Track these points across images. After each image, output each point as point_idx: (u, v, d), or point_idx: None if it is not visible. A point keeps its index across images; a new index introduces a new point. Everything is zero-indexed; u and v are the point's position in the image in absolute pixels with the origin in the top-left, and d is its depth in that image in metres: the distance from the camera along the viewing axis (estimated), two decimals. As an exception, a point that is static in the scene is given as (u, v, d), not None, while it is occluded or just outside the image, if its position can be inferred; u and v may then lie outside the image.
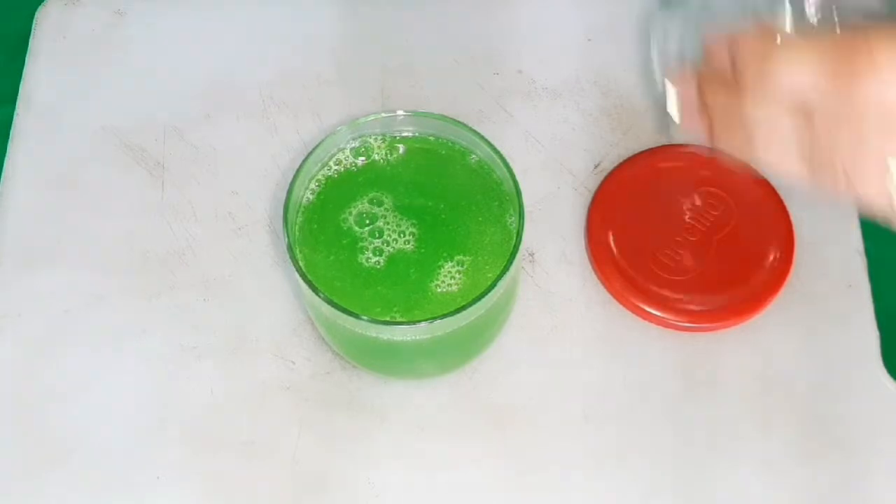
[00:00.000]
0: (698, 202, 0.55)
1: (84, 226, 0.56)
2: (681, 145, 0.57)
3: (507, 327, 0.52)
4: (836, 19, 0.34)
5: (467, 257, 0.46)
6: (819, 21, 0.35)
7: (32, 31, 0.62)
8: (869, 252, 0.55)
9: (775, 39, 0.34)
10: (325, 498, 0.50)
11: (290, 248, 0.45)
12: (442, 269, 0.46)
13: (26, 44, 0.61)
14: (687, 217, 0.54)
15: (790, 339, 0.53)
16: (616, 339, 0.53)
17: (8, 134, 0.58)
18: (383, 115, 0.48)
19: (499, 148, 0.47)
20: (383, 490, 0.50)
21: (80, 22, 0.62)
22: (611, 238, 0.54)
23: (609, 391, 0.52)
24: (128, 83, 0.60)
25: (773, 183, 0.55)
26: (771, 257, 0.53)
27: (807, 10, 0.35)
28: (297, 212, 0.47)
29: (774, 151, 0.36)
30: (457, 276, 0.46)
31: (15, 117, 0.59)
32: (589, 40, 0.61)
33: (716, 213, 0.54)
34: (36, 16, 0.62)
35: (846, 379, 0.52)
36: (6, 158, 0.58)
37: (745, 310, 0.53)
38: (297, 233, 0.47)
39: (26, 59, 0.61)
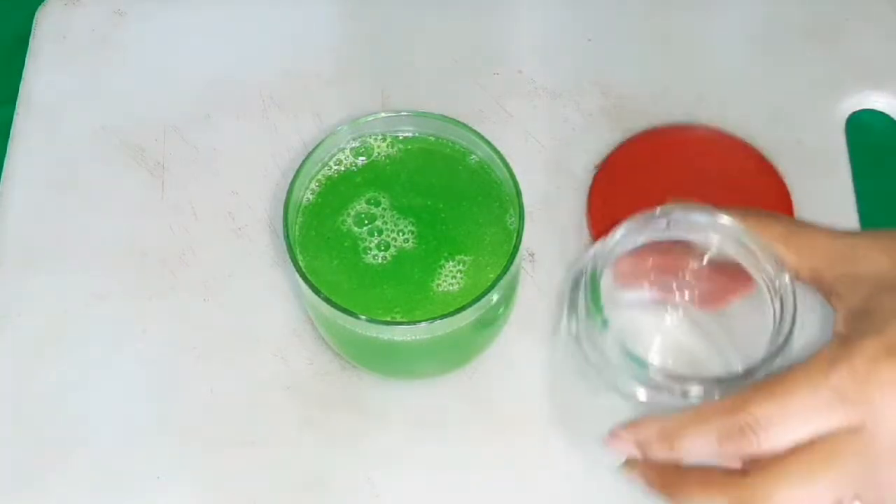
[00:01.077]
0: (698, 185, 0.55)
1: (84, 226, 0.56)
2: (683, 126, 0.57)
3: (507, 327, 0.52)
4: (715, 396, 0.41)
5: (468, 257, 0.46)
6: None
7: (32, 31, 0.62)
8: (869, 252, 0.55)
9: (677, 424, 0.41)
10: (325, 498, 0.50)
11: (290, 249, 0.45)
12: (443, 269, 0.46)
13: (26, 44, 0.61)
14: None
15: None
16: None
17: (8, 134, 0.58)
18: (384, 115, 0.48)
19: (499, 148, 0.47)
20: (383, 490, 0.50)
21: (80, 22, 0.62)
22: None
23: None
24: (128, 83, 0.60)
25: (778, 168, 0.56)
26: None
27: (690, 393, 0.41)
28: (298, 212, 0.47)
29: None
30: (458, 275, 0.46)
31: (15, 117, 0.59)
32: (589, 40, 0.61)
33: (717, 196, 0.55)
34: (36, 16, 0.62)
35: (846, 379, 0.52)
36: (6, 158, 0.58)
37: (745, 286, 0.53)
38: (297, 233, 0.47)
39: (26, 59, 0.61)
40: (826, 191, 0.56)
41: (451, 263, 0.46)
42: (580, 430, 0.50)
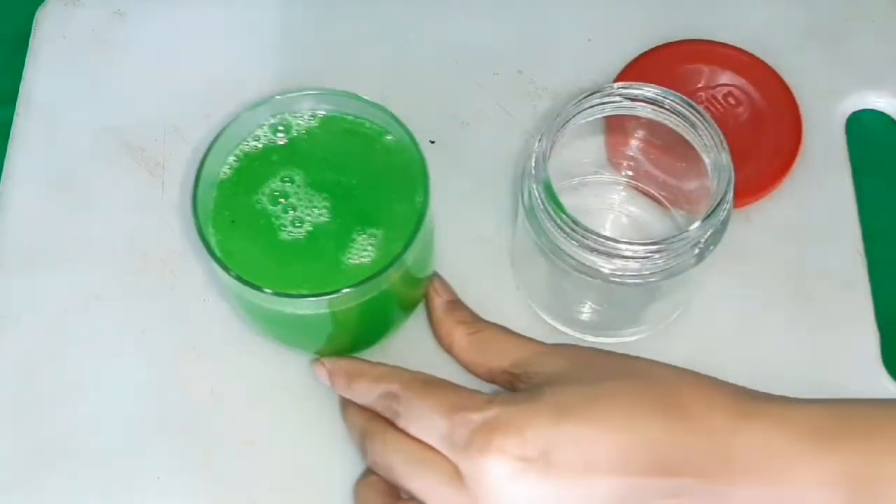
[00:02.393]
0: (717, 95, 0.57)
1: (84, 226, 0.56)
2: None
3: (510, 328, 0.52)
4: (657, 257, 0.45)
5: (379, 230, 0.47)
6: None
7: (32, 31, 0.62)
8: (869, 252, 0.55)
9: None
10: (325, 498, 0.50)
11: (199, 228, 0.45)
12: (355, 242, 0.46)
13: (26, 44, 0.61)
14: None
15: (790, 340, 0.53)
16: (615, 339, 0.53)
17: (8, 134, 0.58)
18: (302, 92, 0.48)
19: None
20: (383, 490, 0.50)
21: (80, 22, 0.62)
22: None
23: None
24: (128, 83, 0.60)
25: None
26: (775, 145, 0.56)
27: None
28: (213, 188, 0.48)
29: None
30: (369, 248, 0.46)
31: (15, 117, 0.59)
32: (589, 40, 0.61)
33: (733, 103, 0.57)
34: (36, 16, 0.62)
35: (846, 379, 0.52)
36: (6, 158, 0.58)
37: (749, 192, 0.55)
38: (211, 209, 0.47)
39: (26, 59, 0.61)
40: (826, 191, 0.56)
41: (362, 237, 0.47)
42: (551, 311, 0.53)
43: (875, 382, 0.52)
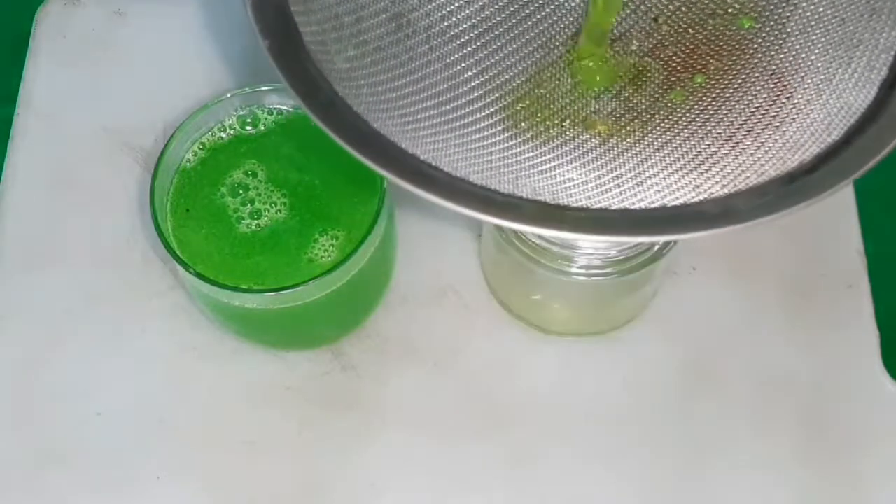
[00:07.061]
0: None
1: (84, 226, 0.56)
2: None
3: (509, 327, 0.52)
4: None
5: (341, 232, 0.47)
6: None
7: (32, 31, 0.62)
8: (869, 252, 0.55)
9: None
10: (325, 498, 0.50)
11: (154, 216, 0.45)
12: (317, 242, 0.47)
13: (26, 44, 0.61)
14: None
15: (790, 341, 0.53)
16: (616, 337, 0.53)
17: (8, 134, 0.58)
18: (273, 87, 0.48)
19: None
20: (384, 490, 0.50)
21: (80, 22, 0.62)
22: None
23: (610, 392, 0.52)
24: (128, 83, 0.60)
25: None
26: None
27: None
28: (176, 174, 0.48)
29: None
30: (330, 248, 0.47)
31: (15, 117, 0.59)
32: (589, 40, 0.61)
33: None
34: (36, 16, 0.62)
35: (846, 379, 0.52)
36: (6, 158, 0.58)
37: None
38: (171, 195, 0.47)
39: (26, 59, 0.61)
40: (826, 191, 0.56)
41: (324, 238, 0.47)
42: (521, 311, 0.53)
43: (875, 382, 0.52)
